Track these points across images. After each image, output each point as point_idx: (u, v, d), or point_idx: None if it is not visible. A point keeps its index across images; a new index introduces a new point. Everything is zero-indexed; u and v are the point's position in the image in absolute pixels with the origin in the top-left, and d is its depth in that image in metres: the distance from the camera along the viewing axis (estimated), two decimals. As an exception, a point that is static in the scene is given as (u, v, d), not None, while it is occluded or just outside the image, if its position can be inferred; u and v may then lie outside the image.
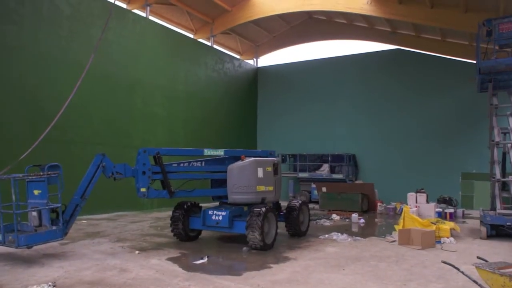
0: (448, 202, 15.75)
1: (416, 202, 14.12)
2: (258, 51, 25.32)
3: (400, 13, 16.74)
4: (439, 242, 9.77)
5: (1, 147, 11.79)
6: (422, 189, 14.98)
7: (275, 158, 10.34)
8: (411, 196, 14.49)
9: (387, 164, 20.82)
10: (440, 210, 14.75)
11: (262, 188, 9.46)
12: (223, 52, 22.88)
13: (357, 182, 20.47)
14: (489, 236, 10.50)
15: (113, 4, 10.89)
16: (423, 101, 20.30)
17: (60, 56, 13.82)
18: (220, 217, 9.28)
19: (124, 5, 17.55)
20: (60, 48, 13.87)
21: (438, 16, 16.09)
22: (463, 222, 14.11)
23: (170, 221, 9.92)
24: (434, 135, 19.86)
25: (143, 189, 8.62)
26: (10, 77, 12.41)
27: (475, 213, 15.84)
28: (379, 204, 17.12)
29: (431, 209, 13.77)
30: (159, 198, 9.44)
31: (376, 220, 14.72)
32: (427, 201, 14.29)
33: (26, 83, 12.84)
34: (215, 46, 22.16)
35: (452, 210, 14.85)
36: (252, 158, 9.60)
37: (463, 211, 15.88)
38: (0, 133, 12.04)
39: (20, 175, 7.70)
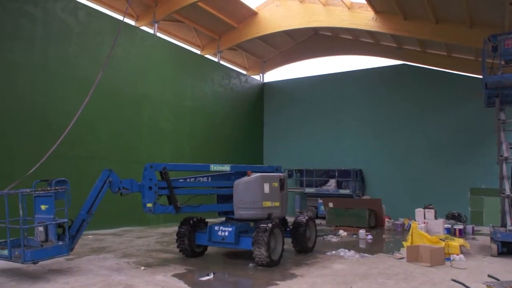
0: (457, 218, 15.54)
1: (424, 218, 13.94)
2: (264, 67, 25.52)
3: (405, 29, 16.83)
4: (448, 259, 9.61)
5: (10, 162, 11.90)
6: (430, 205, 14.80)
7: (281, 174, 10.31)
8: (419, 212, 14.32)
9: (394, 179, 20.66)
10: (449, 226, 14.54)
11: (268, 203, 9.41)
12: (230, 68, 23.09)
13: (364, 197, 20.30)
14: (500, 254, 10.32)
15: (122, 22, 11.08)
16: (429, 115, 20.23)
17: (69, 72, 14.03)
18: (226, 233, 9.22)
19: (132, 22, 17.85)
20: (69, 65, 14.08)
21: (443, 32, 16.15)
22: (473, 238, 13.89)
23: (176, 237, 9.87)
24: (441, 150, 19.71)
25: (149, 205, 8.62)
26: (19, 93, 12.60)
27: (485, 229, 15.59)
28: (386, 220, 16.94)
29: (439, 225, 13.59)
30: (165, 214, 9.43)
31: (383, 236, 14.54)
32: (436, 217, 14.11)
33: (35, 99, 13.02)
34: (221, 62, 22.38)
35: (461, 227, 14.62)
36: (258, 174, 9.58)
37: (473, 228, 15.63)
38: (9, 148, 12.17)
39: (28, 190, 7.74)
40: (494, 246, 10.34)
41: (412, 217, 15.32)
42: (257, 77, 25.49)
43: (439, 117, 19.99)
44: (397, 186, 20.43)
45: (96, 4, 16.22)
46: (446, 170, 19.45)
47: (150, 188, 8.64)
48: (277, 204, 9.65)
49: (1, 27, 12.13)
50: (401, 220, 16.81)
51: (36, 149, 11.91)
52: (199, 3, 17.51)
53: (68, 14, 14.15)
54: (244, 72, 24.65)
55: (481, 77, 12.93)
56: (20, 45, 12.67)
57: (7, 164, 11.85)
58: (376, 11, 16.80)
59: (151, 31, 17.97)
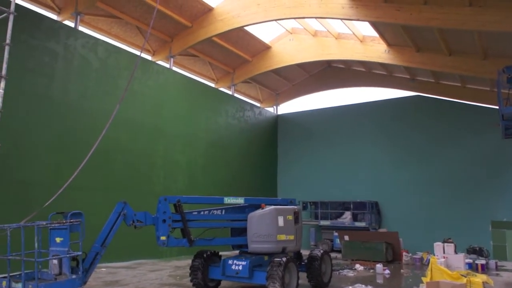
0: (478, 252, 15.02)
1: (444, 253, 13.52)
2: (278, 99, 25.79)
3: (418, 61, 16.93)
4: (471, 296, 9.23)
5: (26, 193, 12.06)
6: (450, 238, 14.40)
7: (295, 206, 10.20)
8: (438, 246, 13.91)
9: (411, 212, 20.21)
10: (471, 261, 14.05)
11: (283, 237, 9.27)
12: (244, 100, 23.38)
13: (380, 230, 19.85)
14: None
15: (139, 57, 11.41)
16: (446, 147, 19.98)
17: (87, 105, 14.38)
18: (240, 267, 9.07)
19: (149, 57, 18.37)
20: (87, 98, 14.46)
21: (457, 63, 16.18)
22: (497, 274, 13.35)
23: (189, 270, 9.74)
24: (459, 182, 19.31)
25: (163, 238, 8.57)
26: (38, 126, 12.91)
27: (510, 265, 15.02)
28: (404, 254, 16.46)
29: (460, 260, 13.15)
30: (179, 247, 9.35)
31: (402, 271, 14.09)
32: (456, 252, 13.67)
33: (53, 131, 13.32)
34: (235, 95, 22.71)
35: (483, 262, 14.11)
36: (273, 207, 9.50)
37: (496, 263, 15.05)
38: (27, 179, 12.35)
39: (44, 222, 7.78)
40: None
41: (431, 251, 14.87)
42: (271, 109, 25.72)
43: (456, 148, 19.72)
44: (414, 219, 19.95)
45: (115, 40, 16.81)
46: (465, 202, 18.98)
47: (164, 221, 8.61)
48: (292, 237, 9.50)
49: (24, 63, 12.60)
50: (419, 254, 16.32)
51: (53, 180, 12.09)
52: (214, 38, 17.99)
53: (88, 50, 14.66)
54: (258, 105, 24.92)
55: (497, 107, 12.82)
56: (42, 80, 13.10)
57: (24, 196, 12.00)
58: (389, 44, 16.99)
59: (167, 65, 18.45)
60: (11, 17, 7.84)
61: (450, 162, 19.76)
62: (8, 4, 8.13)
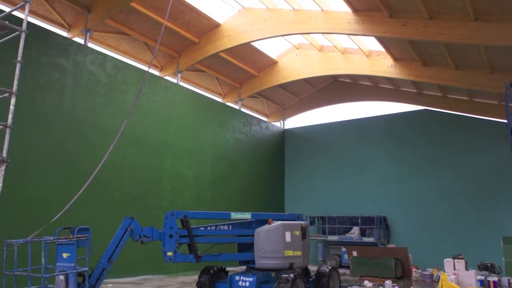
0: (490, 269, 14.74)
1: (454, 269, 13.29)
2: (285, 114, 25.85)
3: (425, 75, 16.93)
4: (483, 314, 9.03)
5: (35, 208, 12.11)
6: (460, 254, 14.16)
7: (303, 222, 10.13)
8: (448, 262, 13.68)
9: (420, 227, 19.96)
10: (482, 278, 13.77)
11: (290, 253, 9.19)
12: (251, 115, 23.46)
13: (389, 246, 19.60)
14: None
15: (147, 73, 11.55)
16: (455, 161, 19.80)
17: (95, 120, 14.52)
18: (247, 283, 8.99)
19: (157, 73, 18.58)
20: (95, 113, 14.60)
21: (463, 78, 16.15)
22: (509, 291, 13.07)
23: (196, 287, 9.65)
24: (469, 196, 19.06)
25: (169, 253, 8.55)
26: (47, 142, 13.03)
27: (522, 281, 14.68)
28: (414, 270, 16.19)
29: (471, 277, 12.90)
30: (186, 262, 9.30)
31: (411, 287, 13.85)
32: (466, 268, 13.42)
33: (62, 147, 13.43)
34: (242, 109, 22.81)
35: (496, 278, 13.82)
36: (280, 222, 9.45)
37: (509, 280, 14.72)
38: (35, 194, 12.41)
39: (51, 238, 7.80)
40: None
41: (441, 267, 14.62)
42: (277, 123, 25.77)
43: (465, 162, 19.54)
44: (424, 234, 19.69)
45: (123, 56, 17.05)
46: (475, 217, 18.71)
47: (171, 236, 8.60)
48: (299, 253, 9.41)
49: (34, 79, 12.80)
50: (429, 271, 16.04)
51: (60, 195, 12.15)
52: (221, 54, 18.18)
53: (97, 66, 14.87)
54: (265, 119, 24.99)
55: (506, 121, 12.73)
56: (51, 96, 13.28)
57: (31, 211, 12.05)
58: (395, 59, 17.04)
59: (174, 80, 18.63)
60: (23, 35, 8.00)
61: (459, 176, 19.56)
62: (20, 22, 8.31)
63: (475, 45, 13.23)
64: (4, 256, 7.92)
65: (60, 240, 7.80)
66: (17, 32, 8.06)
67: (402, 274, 16.03)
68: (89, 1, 14.25)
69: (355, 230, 20.80)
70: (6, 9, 12.04)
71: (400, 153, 21.39)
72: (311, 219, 21.65)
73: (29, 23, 8.35)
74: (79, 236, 7.80)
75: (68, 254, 7.79)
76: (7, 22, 7.93)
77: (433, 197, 20.01)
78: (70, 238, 7.76)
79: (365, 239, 20.08)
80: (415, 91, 20.41)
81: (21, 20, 8.35)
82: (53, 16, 14.36)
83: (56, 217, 8.53)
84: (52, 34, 13.71)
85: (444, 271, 13.02)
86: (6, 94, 7.71)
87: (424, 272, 16.00)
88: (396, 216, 20.86)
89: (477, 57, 14.70)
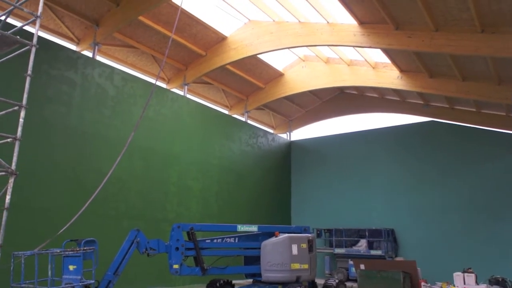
0: (501, 283, 14.42)
1: (464, 283, 13.06)
2: (291, 125, 25.86)
3: (431, 87, 16.88)
4: (494, 330, 8.84)
5: (42, 220, 12.15)
6: (470, 268, 13.90)
7: (309, 234, 10.07)
8: (457, 276, 13.45)
9: (429, 240, 19.70)
10: (493, 292, 13.52)
11: (296, 266, 9.12)
12: (257, 127, 23.50)
13: (397, 259, 19.34)
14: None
15: (154, 85, 11.67)
16: (463, 172, 19.60)
17: (102, 133, 14.62)
18: (254, 297, 8.90)
19: (164, 85, 18.72)
20: (103, 126, 14.71)
21: (470, 89, 16.07)
22: (520, 306, 12.80)
23: (201, 300, 9.59)
24: (479, 209, 18.82)
25: (175, 266, 8.53)
26: (55, 154, 13.12)
27: (533, 296, 14.37)
28: (423, 283, 15.89)
29: (482, 291, 12.67)
30: (192, 275, 9.24)
31: (421, 302, 13.62)
32: (477, 282, 13.18)
33: (69, 159, 13.50)
34: (249, 121, 22.86)
35: (506, 293, 13.57)
36: (286, 234, 9.39)
37: (520, 294, 14.46)
38: (43, 206, 12.46)
39: (58, 250, 7.82)
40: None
41: (451, 281, 14.38)
42: (284, 135, 25.77)
43: (474, 174, 19.33)
44: (432, 247, 19.42)
45: (131, 69, 17.23)
46: (485, 230, 18.43)
47: (177, 248, 8.59)
48: (306, 266, 9.33)
49: (44, 92, 12.95)
50: (438, 284, 15.75)
51: (67, 207, 12.17)
52: (227, 66, 18.30)
53: (105, 79, 15.03)
54: (271, 131, 25.01)
55: (514, 133, 12.64)
56: (60, 109, 13.41)
57: (39, 223, 12.08)
58: (401, 70, 17.03)
59: (181, 92, 18.75)
60: (33, 50, 8.12)
61: (468, 188, 19.34)
62: (30, 37, 8.45)
63: (482, 57, 13.20)
64: (11, 268, 7.93)
65: (67, 253, 7.81)
66: (28, 47, 8.19)
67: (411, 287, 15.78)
68: (98, 15, 14.47)
69: (363, 243, 20.58)
70: (17, 23, 12.27)
71: (407, 165, 21.24)
72: (318, 232, 21.47)
73: (39, 37, 8.48)
74: (85, 248, 7.81)
75: (75, 267, 7.80)
76: (18, 37, 8.06)
77: (442, 209, 19.78)
78: (77, 251, 7.77)
79: (373, 252, 19.84)
80: (422, 102, 20.34)
81: (31, 34, 8.50)
82: (63, 30, 14.60)
83: (63, 229, 8.56)
84: (61, 48, 13.92)
85: (454, 286, 12.79)
86: (16, 107, 7.80)
87: (433, 286, 15.71)
88: (404, 229, 20.63)
89: (484, 69, 14.65)
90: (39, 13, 8.32)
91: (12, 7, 8.47)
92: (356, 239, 21.08)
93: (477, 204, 18.93)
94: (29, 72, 7.91)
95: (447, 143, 20.41)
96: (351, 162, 22.99)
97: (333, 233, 21.43)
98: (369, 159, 22.47)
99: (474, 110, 19.16)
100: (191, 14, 15.37)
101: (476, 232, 18.61)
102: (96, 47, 14.99)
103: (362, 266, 16.92)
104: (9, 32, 8.14)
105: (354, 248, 20.65)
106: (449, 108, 19.94)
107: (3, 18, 9.11)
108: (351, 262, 19.22)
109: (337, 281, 10.28)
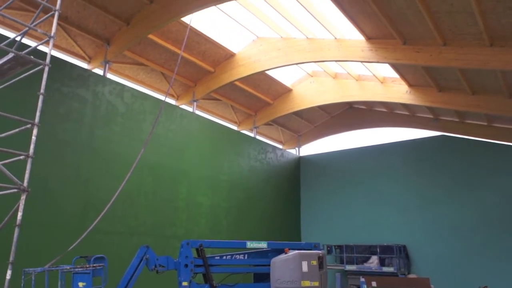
0: (517, 301, 14.09)
1: (480, 301, 12.75)
2: (300, 141, 25.82)
3: (441, 101, 16.79)
4: None
5: (53, 236, 12.19)
6: (486, 286, 13.60)
7: (320, 251, 9.94)
8: (473, 293, 13.15)
9: (442, 257, 19.32)
10: (509, 310, 13.17)
11: (307, 283, 8.98)
12: (266, 143, 23.51)
13: (410, 276, 18.97)
14: None
15: (163, 102, 11.80)
16: (476, 187, 19.30)
17: (112, 149, 14.74)
18: (263, 315, 8.77)
19: (173, 102, 18.91)
20: (112, 142, 14.84)
21: (481, 103, 15.94)
22: (538, 325, 12.43)
23: (211, 318, 9.45)
24: (493, 225, 18.44)
25: (185, 283, 8.47)
26: (65, 171, 13.22)
27: (551, 314, 13.98)
28: (437, 301, 15.58)
29: (498, 309, 12.34)
30: (201, 293, 9.16)
31: (435, 320, 13.31)
32: (493, 300, 12.87)
33: (79, 176, 13.61)
34: (257, 137, 22.90)
35: (523, 311, 13.21)
36: (296, 251, 9.29)
37: (537, 312, 14.08)
38: (53, 223, 12.52)
39: (68, 267, 7.83)
40: None
41: (466, 299, 14.06)
42: (293, 151, 25.73)
43: (487, 189, 19.02)
44: (446, 264, 19.04)
45: (141, 86, 17.45)
46: (500, 246, 18.03)
47: (186, 265, 8.54)
48: (316, 283, 9.18)
49: (55, 109, 13.15)
50: (453, 302, 15.43)
51: (77, 223, 12.23)
52: (236, 82, 18.45)
53: (115, 96, 15.24)
54: (280, 146, 25.00)
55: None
56: (71, 126, 13.59)
57: (49, 239, 12.13)
58: (410, 85, 17.00)
59: (190, 109, 18.90)
60: (46, 69, 8.27)
61: (481, 203, 19.02)
62: (43, 56, 8.63)
63: (492, 71, 13.14)
64: (22, 285, 7.94)
65: (76, 269, 7.81)
66: (41, 66, 8.35)
67: (425, 306, 15.43)
68: (109, 34, 14.76)
69: (374, 260, 20.25)
70: (31, 43, 12.56)
71: (419, 180, 21.01)
72: (328, 248, 21.22)
73: (52, 56, 8.65)
74: (95, 265, 7.81)
75: (84, 284, 7.79)
76: (32, 57, 8.24)
77: (455, 224, 19.45)
78: (86, 267, 7.78)
79: (385, 269, 19.51)
80: (431, 116, 20.23)
81: (44, 53, 8.68)
82: (75, 49, 14.90)
83: (73, 246, 8.58)
84: (73, 66, 14.18)
85: (469, 303, 12.51)
86: (29, 125, 7.92)
87: (447, 304, 15.38)
88: (417, 245, 20.29)
89: (494, 82, 14.56)
90: (52, 33, 8.50)
91: (27, 28, 8.67)
92: (367, 255, 20.77)
93: (491, 219, 18.58)
94: (42, 91, 8.05)
95: (458, 157, 20.18)
96: (361, 177, 22.81)
97: (343, 250, 21.15)
98: (379, 174, 22.28)
99: (485, 124, 18.98)
100: (199, 31, 15.60)
101: (491, 248, 18.22)
102: (107, 65, 15.24)
103: (373, 283, 16.63)
104: (23, 52, 8.31)
105: (366, 264, 20.34)
106: (459, 122, 19.77)
107: (18, 39, 9.33)
108: (362, 279, 18.83)
109: (348, 298, 10.11)
